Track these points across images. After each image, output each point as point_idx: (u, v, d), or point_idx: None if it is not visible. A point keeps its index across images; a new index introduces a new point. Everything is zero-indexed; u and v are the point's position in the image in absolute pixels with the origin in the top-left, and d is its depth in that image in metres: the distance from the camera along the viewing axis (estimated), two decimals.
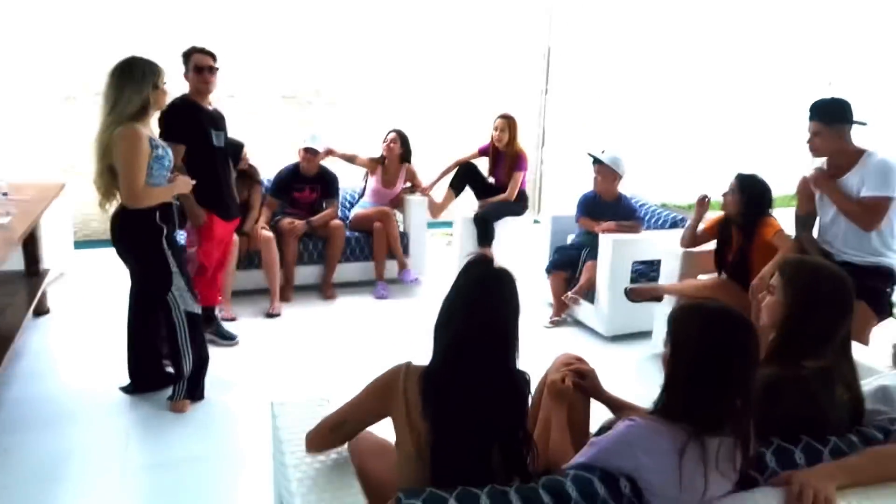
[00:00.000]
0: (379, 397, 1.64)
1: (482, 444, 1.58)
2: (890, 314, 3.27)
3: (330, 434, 1.71)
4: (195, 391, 3.27)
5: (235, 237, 4.42)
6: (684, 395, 1.52)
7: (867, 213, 3.09)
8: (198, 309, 3.18)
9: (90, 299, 4.61)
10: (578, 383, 1.96)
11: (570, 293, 4.35)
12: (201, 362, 3.26)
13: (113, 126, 2.82)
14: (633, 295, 3.88)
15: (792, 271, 1.84)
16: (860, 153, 3.16)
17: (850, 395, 1.76)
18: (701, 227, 3.80)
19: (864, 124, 3.18)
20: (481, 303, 1.59)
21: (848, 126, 3.15)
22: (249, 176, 4.61)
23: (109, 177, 2.91)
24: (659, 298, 3.87)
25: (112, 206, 3.03)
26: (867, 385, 1.94)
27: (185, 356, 3.15)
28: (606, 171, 4.44)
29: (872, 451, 1.66)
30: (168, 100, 3.11)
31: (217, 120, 3.73)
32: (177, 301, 3.08)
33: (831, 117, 3.14)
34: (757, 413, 1.56)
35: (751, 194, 3.48)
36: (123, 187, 2.87)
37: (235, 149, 4.40)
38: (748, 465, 1.55)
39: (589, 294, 4.32)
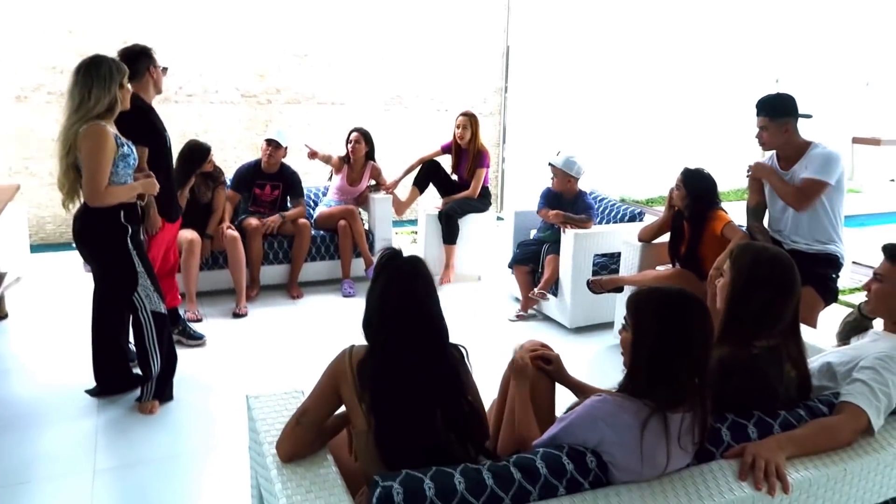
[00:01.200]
0: (330, 382, 1.73)
1: (422, 420, 1.65)
2: (836, 299, 3.43)
3: (296, 426, 1.73)
4: (164, 392, 3.25)
5: (198, 238, 4.41)
6: (647, 375, 1.60)
7: (800, 192, 3.24)
8: (164, 309, 3.16)
9: (48, 303, 4.54)
10: (543, 367, 2.04)
11: (536, 290, 4.44)
12: (169, 363, 3.24)
13: (79, 124, 2.80)
14: (594, 286, 3.99)
15: (737, 254, 1.95)
16: (807, 145, 3.31)
17: (798, 373, 1.88)
18: (656, 220, 3.96)
19: (809, 117, 3.34)
20: (393, 290, 1.71)
21: (793, 119, 3.30)
22: (213, 177, 4.59)
23: (74, 175, 2.88)
24: (620, 290, 3.99)
25: (75, 206, 3.00)
26: (813, 362, 2.07)
27: (153, 357, 3.13)
28: (561, 174, 4.54)
29: (818, 422, 1.78)
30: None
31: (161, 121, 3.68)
32: (143, 301, 3.05)
33: (776, 111, 3.29)
34: (712, 391, 1.66)
35: (695, 188, 3.63)
36: (86, 186, 2.85)
37: (203, 152, 4.39)
38: (704, 439, 1.65)
39: (552, 287, 4.43)
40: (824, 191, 3.22)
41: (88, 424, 3.06)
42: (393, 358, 1.67)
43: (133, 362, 3.47)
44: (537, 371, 2.02)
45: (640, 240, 4.00)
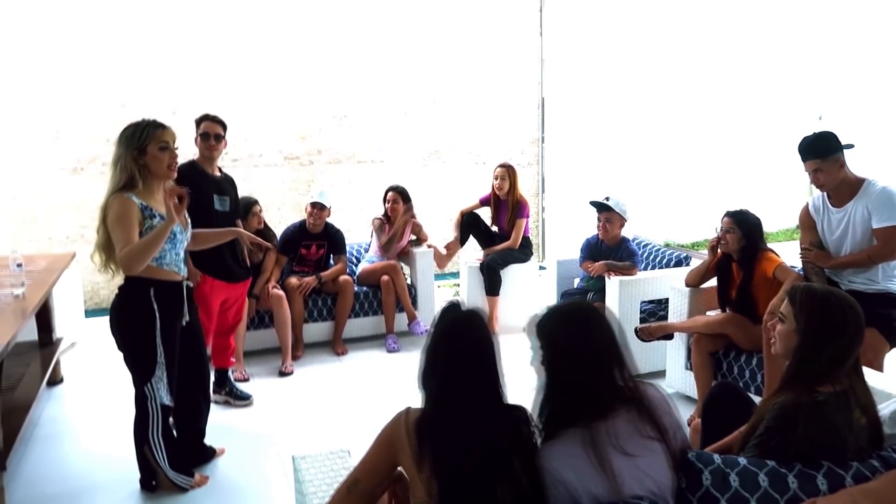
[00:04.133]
0: (385, 448, 1.66)
1: (486, 482, 1.58)
2: None
3: (348, 496, 1.68)
4: (196, 458, 3.20)
5: (246, 298, 4.47)
6: (567, 393, 1.63)
7: (885, 246, 3.13)
8: (171, 402, 2.97)
9: (103, 367, 4.62)
10: None
11: None
12: (174, 445, 3.06)
13: (108, 196, 2.76)
14: (642, 334, 3.89)
15: (803, 298, 1.87)
16: (860, 181, 3.22)
17: (868, 419, 1.77)
18: (701, 263, 3.87)
19: (851, 147, 3.26)
20: (456, 345, 1.67)
21: (841, 154, 3.22)
22: (266, 237, 4.67)
23: (107, 251, 2.79)
24: (670, 337, 3.88)
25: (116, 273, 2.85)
26: (885, 408, 1.95)
27: (158, 449, 2.94)
28: (614, 217, 4.50)
29: (894, 474, 1.66)
30: (176, 162, 2.90)
31: (222, 185, 3.75)
32: (154, 392, 2.87)
33: (825, 151, 3.21)
34: (776, 441, 1.58)
35: (747, 229, 3.54)
36: (117, 250, 2.71)
37: (247, 203, 4.48)
38: (659, 427, 1.63)
39: None
40: None
41: (136, 491, 3.04)
42: (453, 411, 1.63)
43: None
44: None
45: (687, 285, 3.89)
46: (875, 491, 1.62)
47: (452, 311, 1.72)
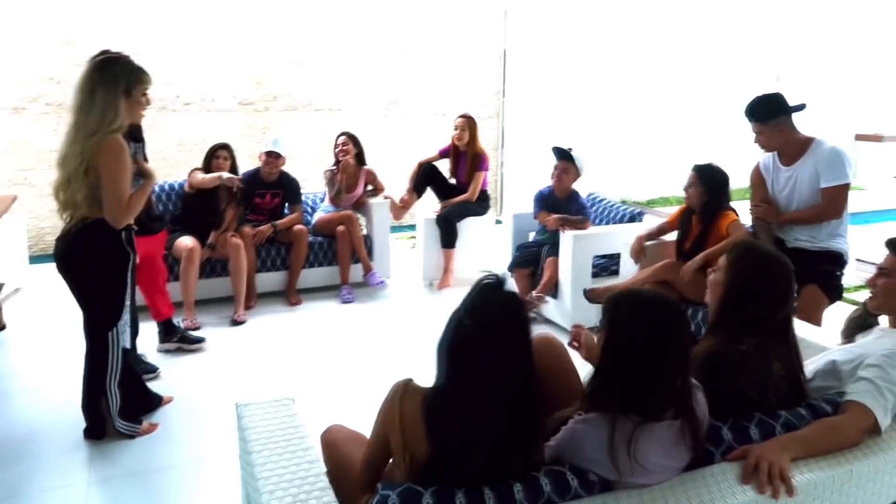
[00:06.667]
0: (382, 428, 1.59)
1: (485, 470, 1.49)
2: (840, 297, 3.37)
3: (367, 479, 1.63)
4: (146, 406, 3.17)
5: (198, 246, 4.38)
6: (622, 382, 1.54)
7: (830, 205, 3.20)
8: (129, 343, 2.94)
9: (47, 314, 4.50)
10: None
11: (534, 292, 4.39)
12: (134, 378, 3.05)
13: (98, 134, 2.59)
14: (591, 296, 3.91)
15: (739, 253, 1.91)
16: (809, 141, 3.27)
17: (788, 372, 1.82)
18: (664, 220, 3.92)
19: (802, 108, 3.29)
20: (504, 332, 1.52)
21: (786, 117, 3.25)
22: (230, 190, 4.57)
23: (89, 193, 2.62)
24: None
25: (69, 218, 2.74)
26: (818, 361, 2.02)
27: (113, 398, 2.88)
28: (571, 168, 4.50)
29: (823, 422, 1.73)
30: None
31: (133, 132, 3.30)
32: (117, 337, 2.81)
33: (766, 114, 3.25)
34: (706, 393, 1.62)
35: (711, 184, 3.58)
36: (112, 206, 2.62)
37: (215, 146, 4.55)
38: (700, 443, 1.59)
39: (552, 290, 4.38)
40: (848, 191, 3.18)
41: (81, 440, 2.99)
42: (476, 396, 1.49)
43: (150, 374, 3.47)
44: (549, 353, 1.99)
45: (647, 239, 3.93)
46: (804, 438, 1.68)
47: (499, 289, 1.55)
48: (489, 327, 1.51)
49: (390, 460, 1.64)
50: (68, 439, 3.00)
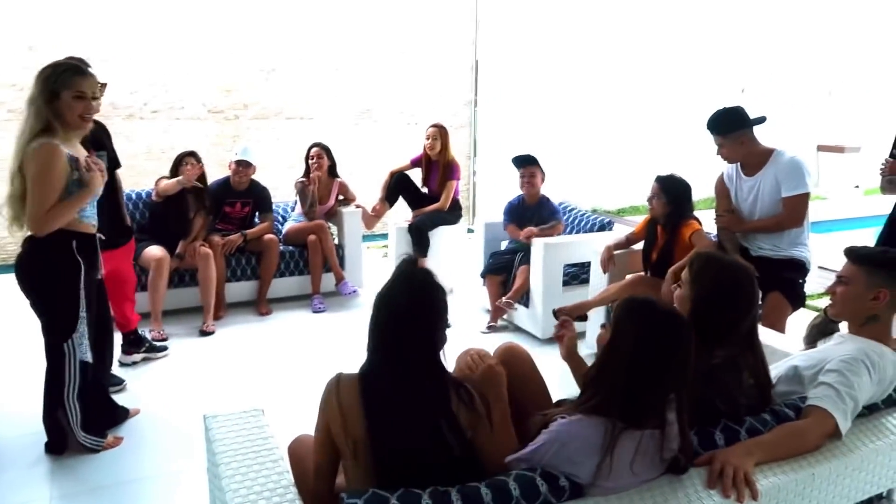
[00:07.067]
0: (322, 423, 1.64)
1: (417, 439, 1.58)
2: (803, 304, 3.45)
3: (320, 483, 1.67)
4: (111, 420, 3.10)
5: (167, 256, 4.32)
6: (617, 387, 1.56)
7: (791, 213, 3.27)
8: (91, 357, 2.84)
9: (9, 326, 4.38)
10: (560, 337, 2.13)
11: (504, 298, 4.41)
12: (91, 402, 2.94)
13: (28, 141, 2.54)
14: (560, 314, 3.93)
15: (700, 266, 1.95)
16: (770, 152, 3.35)
17: (757, 381, 1.87)
18: (631, 230, 3.96)
19: (762, 120, 3.36)
20: (422, 304, 1.65)
21: (747, 130, 3.33)
22: (201, 200, 4.54)
23: (19, 202, 2.57)
24: (584, 318, 3.97)
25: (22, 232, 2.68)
26: (780, 367, 2.06)
27: (72, 411, 2.81)
28: (536, 171, 4.56)
29: (785, 427, 1.77)
30: (91, 113, 2.68)
31: (98, 138, 3.21)
32: (73, 350, 2.74)
33: (727, 127, 3.32)
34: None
35: (673, 194, 3.63)
36: (28, 211, 2.53)
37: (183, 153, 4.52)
38: (688, 455, 1.62)
39: (524, 298, 4.40)
40: (808, 199, 3.25)
41: (43, 455, 2.91)
42: (399, 369, 1.62)
43: (116, 387, 3.40)
44: (514, 363, 2.01)
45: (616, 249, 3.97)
46: (767, 443, 1.72)
47: (413, 268, 1.72)
48: (406, 303, 1.64)
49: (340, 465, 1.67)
50: (30, 455, 2.92)
